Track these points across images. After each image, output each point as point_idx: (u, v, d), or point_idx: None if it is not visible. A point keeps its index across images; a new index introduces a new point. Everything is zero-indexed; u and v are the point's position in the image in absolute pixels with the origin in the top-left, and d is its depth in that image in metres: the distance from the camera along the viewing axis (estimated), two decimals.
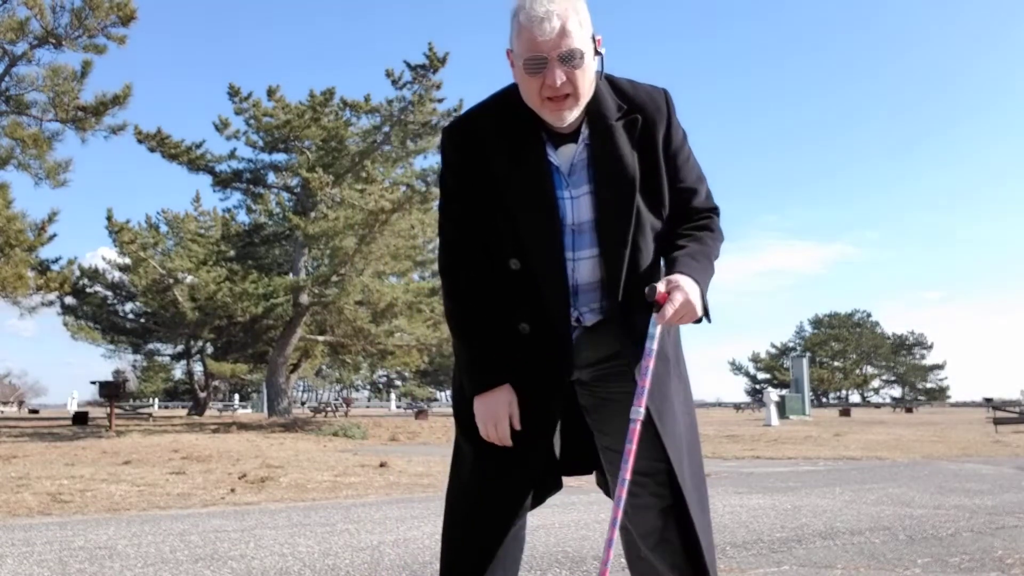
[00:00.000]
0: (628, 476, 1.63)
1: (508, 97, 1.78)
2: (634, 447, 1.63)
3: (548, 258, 1.73)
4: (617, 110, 1.75)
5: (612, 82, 1.78)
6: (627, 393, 1.69)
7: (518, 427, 1.74)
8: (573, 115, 1.69)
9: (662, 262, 1.83)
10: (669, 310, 1.63)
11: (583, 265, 1.76)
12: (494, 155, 1.74)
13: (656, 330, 1.67)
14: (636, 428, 1.64)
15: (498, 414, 1.73)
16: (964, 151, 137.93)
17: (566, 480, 2.00)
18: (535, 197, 1.72)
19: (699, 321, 1.72)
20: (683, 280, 1.66)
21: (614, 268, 1.73)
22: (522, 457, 1.76)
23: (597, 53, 1.70)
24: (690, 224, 1.82)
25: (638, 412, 1.64)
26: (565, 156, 1.75)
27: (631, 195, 1.72)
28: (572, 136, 1.75)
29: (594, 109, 1.73)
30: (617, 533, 1.64)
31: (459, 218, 1.79)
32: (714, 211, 1.87)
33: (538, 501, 1.91)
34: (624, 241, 1.72)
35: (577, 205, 1.74)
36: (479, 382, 1.75)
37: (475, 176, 1.76)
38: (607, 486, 1.90)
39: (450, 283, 1.80)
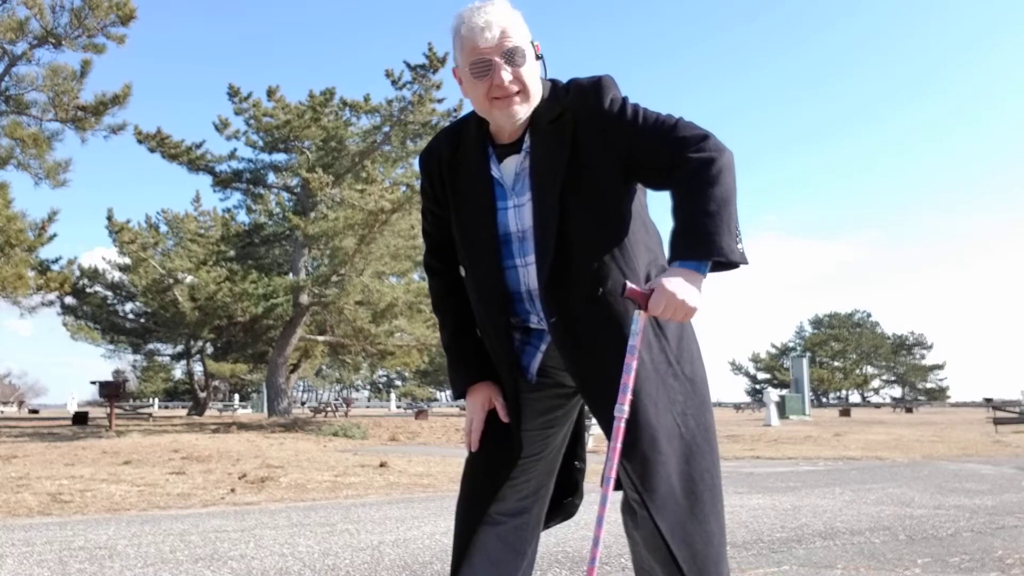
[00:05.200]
0: (612, 474, 1.62)
1: (469, 117, 1.87)
2: (618, 445, 1.62)
3: (483, 266, 1.82)
4: (549, 113, 1.77)
5: (553, 86, 1.82)
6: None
7: (505, 420, 1.83)
8: (524, 111, 1.73)
9: (621, 253, 1.75)
10: (653, 311, 1.60)
11: (532, 271, 1.79)
12: (447, 173, 1.86)
13: (638, 326, 1.63)
14: (620, 426, 1.62)
15: (472, 413, 1.88)
16: (965, 151, 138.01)
17: None
18: (473, 208, 1.82)
19: (736, 267, 1.62)
20: (667, 277, 1.59)
21: (542, 271, 1.75)
22: (494, 456, 1.85)
23: (538, 57, 1.77)
24: (672, 186, 1.69)
25: (621, 410, 1.62)
26: (509, 167, 1.81)
27: (554, 198, 1.73)
28: (515, 147, 1.80)
29: (535, 117, 1.78)
30: (603, 532, 1.64)
31: (430, 234, 1.98)
32: (689, 152, 1.67)
33: (562, 515, 2.00)
34: (548, 244, 1.73)
35: (520, 213, 1.80)
36: (452, 387, 1.95)
37: (436, 195, 1.90)
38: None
39: (430, 296, 2.02)
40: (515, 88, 1.70)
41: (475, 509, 1.84)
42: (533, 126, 1.78)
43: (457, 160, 1.85)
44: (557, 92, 1.80)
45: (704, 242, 1.60)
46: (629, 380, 1.63)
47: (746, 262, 1.63)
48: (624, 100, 1.76)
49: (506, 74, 1.68)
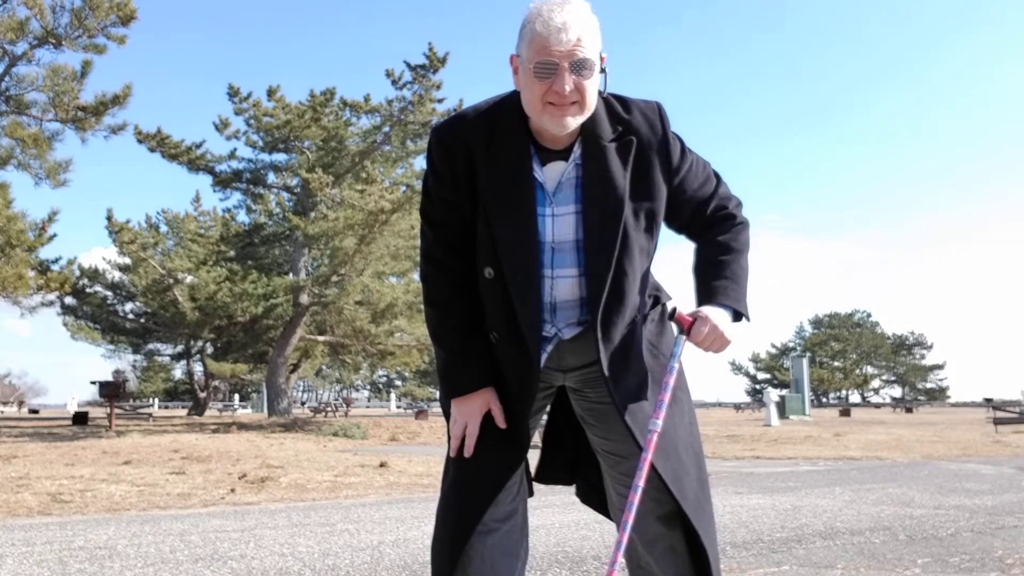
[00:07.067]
0: (642, 483, 1.67)
1: (503, 105, 1.75)
2: (650, 456, 1.67)
3: (521, 271, 1.71)
4: (612, 131, 1.73)
5: (606, 101, 1.76)
6: (608, 400, 1.75)
7: (502, 426, 1.76)
8: (576, 123, 1.67)
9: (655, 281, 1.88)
10: (695, 339, 1.73)
11: (562, 283, 1.75)
12: (479, 163, 1.72)
13: (680, 349, 1.77)
14: (652, 439, 1.68)
15: (468, 418, 1.77)
16: (966, 153, 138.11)
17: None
18: (513, 210, 1.71)
19: (739, 319, 1.81)
20: (710, 311, 1.74)
21: (596, 288, 1.71)
22: (493, 460, 1.77)
23: (602, 70, 1.69)
24: (712, 233, 1.86)
25: (655, 424, 1.69)
26: (552, 173, 1.73)
27: (619, 218, 1.70)
28: (562, 154, 1.73)
29: (588, 129, 1.71)
30: (627, 537, 1.65)
31: (439, 224, 1.80)
32: (732, 208, 1.89)
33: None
34: (609, 263, 1.70)
35: (558, 223, 1.73)
36: (451, 389, 1.81)
37: (459, 182, 1.74)
38: (591, 500, 1.98)
39: (428, 290, 1.84)
40: (573, 99, 1.62)
41: (470, 518, 1.76)
42: (585, 137, 1.72)
43: (491, 153, 1.72)
44: (614, 109, 1.75)
45: (741, 295, 1.81)
46: (665, 397, 1.72)
47: (749, 319, 1.83)
48: (677, 135, 1.81)
49: (568, 84, 1.60)
